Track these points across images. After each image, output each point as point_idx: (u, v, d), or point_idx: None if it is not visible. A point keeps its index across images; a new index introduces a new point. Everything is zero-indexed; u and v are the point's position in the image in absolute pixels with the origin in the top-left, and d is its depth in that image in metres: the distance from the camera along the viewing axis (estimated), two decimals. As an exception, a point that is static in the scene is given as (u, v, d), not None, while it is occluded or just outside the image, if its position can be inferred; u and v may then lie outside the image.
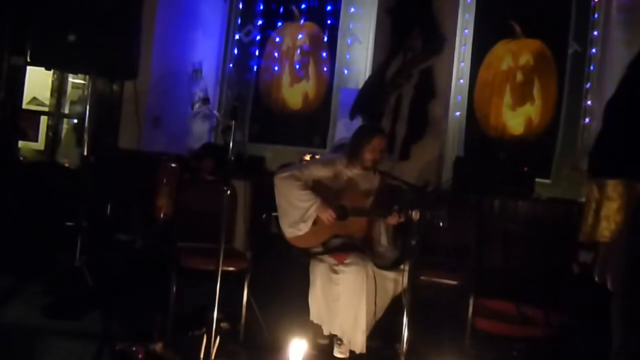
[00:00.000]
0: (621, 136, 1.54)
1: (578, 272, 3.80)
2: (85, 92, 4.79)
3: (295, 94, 5.14)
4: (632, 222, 0.62)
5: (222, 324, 3.16)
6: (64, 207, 3.84)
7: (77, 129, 4.99)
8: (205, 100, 5.10)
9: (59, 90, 5.04)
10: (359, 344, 2.81)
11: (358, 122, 4.44)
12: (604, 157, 1.60)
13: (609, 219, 2.01)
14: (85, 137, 3.51)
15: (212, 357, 2.64)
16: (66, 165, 4.87)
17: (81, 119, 4.75)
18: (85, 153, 3.53)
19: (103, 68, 3.41)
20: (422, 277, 3.15)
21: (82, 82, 5.04)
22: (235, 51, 5.38)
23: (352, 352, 2.86)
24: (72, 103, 5.15)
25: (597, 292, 3.58)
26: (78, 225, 3.53)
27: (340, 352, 2.88)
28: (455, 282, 3.25)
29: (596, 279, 2.10)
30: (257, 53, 5.29)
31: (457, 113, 4.68)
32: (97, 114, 3.88)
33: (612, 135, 1.58)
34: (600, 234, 2.04)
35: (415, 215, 2.74)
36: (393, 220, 3.07)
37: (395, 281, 2.96)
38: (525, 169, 4.09)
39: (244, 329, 3.13)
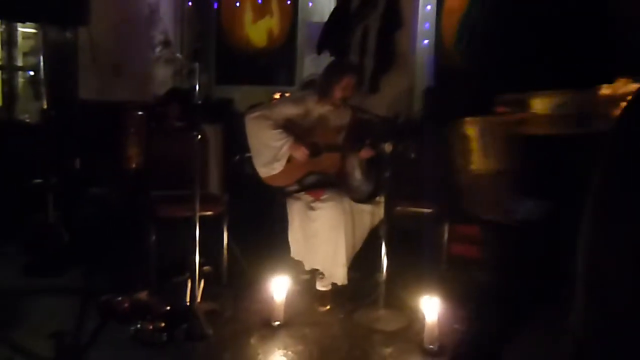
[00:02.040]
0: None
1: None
2: (38, 42, 4.54)
3: (259, 30, 4.98)
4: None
5: (204, 268, 3.20)
6: (30, 165, 3.73)
7: (34, 82, 4.77)
8: (166, 43, 4.91)
9: (8, 41, 4.77)
10: (340, 277, 2.89)
11: (326, 56, 4.35)
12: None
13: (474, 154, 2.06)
14: (43, 89, 3.36)
15: (198, 301, 2.69)
16: (27, 121, 4.69)
17: (36, 71, 4.53)
18: (45, 107, 3.39)
19: (52, 15, 3.22)
20: (398, 208, 3.21)
21: (32, 31, 4.77)
22: (193, -12, 5.13)
23: (333, 284, 2.94)
24: (24, 55, 4.89)
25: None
26: (47, 182, 3.45)
27: (323, 286, 2.96)
28: (430, 211, 3.33)
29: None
30: (216, -11, 5.06)
31: (425, 41, 4.61)
32: (52, 65, 3.70)
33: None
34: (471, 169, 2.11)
35: (387, 147, 2.75)
36: (366, 154, 3.08)
37: (371, 213, 3.01)
38: (494, 96, 4.11)
39: (227, 271, 3.18)
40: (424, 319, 2.55)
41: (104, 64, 4.43)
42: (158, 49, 4.89)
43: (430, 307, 2.53)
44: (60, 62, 4.26)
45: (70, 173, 4.00)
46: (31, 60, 4.84)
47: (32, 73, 4.85)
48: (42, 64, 3.35)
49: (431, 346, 2.50)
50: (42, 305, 2.82)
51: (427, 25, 4.61)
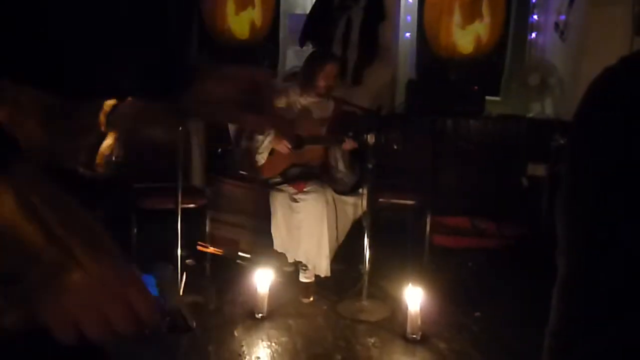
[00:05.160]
0: None
1: (527, 185, 3.99)
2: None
3: (241, 22, 4.93)
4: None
5: (187, 261, 3.19)
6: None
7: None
8: (147, 35, 4.83)
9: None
10: (324, 268, 2.90)
11: (308, 49, 4.33)
12: None
13: None
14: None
15: (180, 294, 2.68)
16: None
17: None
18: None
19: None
20: (381, 200, 3.23)
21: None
22: (174, -21, 5.06)
23: (317, 276, 2.95)
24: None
25: (545, 203, 3.77)
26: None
27: (306, 277, 2.97)
28: (412, 202, 3.35)
29: None
30: (196, -20, 4.99)
31: (407, 34, 4.63)
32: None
33: None
34: None
35: (370, 139, 2.76)
36: (348, 146, 3.09)
37: (355, 205, 3.02)
38: (476, 87, 4.15)
39: (210, 264, 3.17)
40: (406, 308, 2.57)
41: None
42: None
43: (413, 297, 2.56)
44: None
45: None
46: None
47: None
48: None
49: (414, 335, 2.52)
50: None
51: (409, 18, 4.63)
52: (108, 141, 0.65)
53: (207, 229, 3.12)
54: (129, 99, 0.77)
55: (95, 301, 0.58)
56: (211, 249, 2.96)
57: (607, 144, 0.64)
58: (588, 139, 0.66)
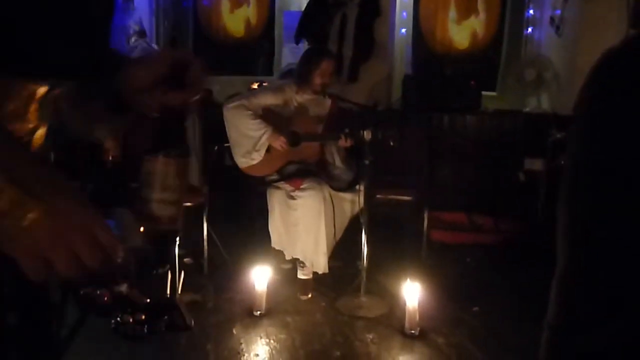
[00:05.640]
0: None
1: (524, 179, 3.99)
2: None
3: (236, 20, 4.92)
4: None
5: (185, 260, 3.19)
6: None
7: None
8: (142, 33, 4.81)
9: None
10: (321, 265, 2.90)
11: (304, 46, 4.33)
12: None
13: None
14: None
15: (179, 292, 2.68)
16: None
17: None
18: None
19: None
20: (378, 196, 3.23)
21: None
22: (168, -24, 5.04)
23: (315, 273, 2.95)
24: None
25: (543, 197, 3.78)
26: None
27: (304, 274, 2.97)
28: (409, 198, 3.35)
29: None
30: (191, -23, 4.97)
31: (403, 30, 4.63)
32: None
33: None
34: None
35: (366, 135, 2.76)
36: (345, 142, 3.08)
37: (352, 202, 3.02)
38: (472, 82, 4.15)
39: (208, 262, 3.17)
40: (405, 304, 2.58)
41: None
42: (133, 39, 4.80)
43: (411, 293, 2.56)
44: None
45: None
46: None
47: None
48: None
49: (412, 331, 2.53)
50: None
51: (404, 14, 4.62)
52: (40, 132, 0.64)
53: (205, 227, 3.12)
54: (60, 88, 0.78)
55: (60, 235, 0.59)
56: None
57: (608, 137, 0.63)
58: (589, 132, 0.66)
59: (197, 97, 0.79)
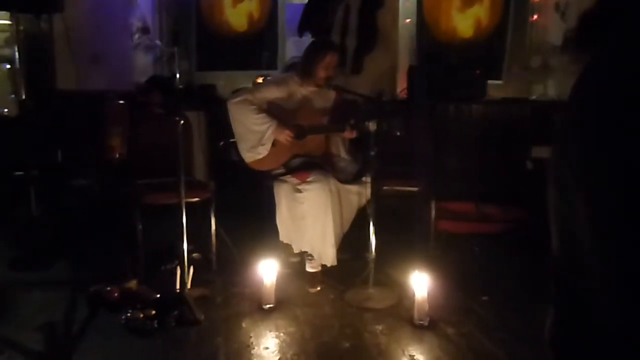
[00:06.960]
0: None
1: (532, 168, 3.97)
2: (12, 34, 4.43)
3: (239, 14, 4.91)
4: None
5: (193, 255, 3.20)
6: (10, 158, 3.67)
7: (11, 75, 4.66)
8: (145, 30, 4.81)
9: (-19, 34, 4.64)
10: (330, 258, 2.90)
11: (307, 38, 4.31)
12: None
13: None
14: (20, 82, 3.30)
15: (188, 288, 2.69)
16: (6, 113, 4.60)
17: (12, 63, 4.43)
18: (23, 98, 3.33)
19: (23, 2, 3.15)
20: (385, 187, 3.22)
21: (6, 22, 4.65)
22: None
23: (323, 265, 2.95)
24: (-1, 47, 4.77)
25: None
26: (28, 174, 3.40)
27: (312, 267, 2.97)
28: (416, 189, 3.34)
29: None
30: (193, -28, 4.95)
31: (407, 20, 4.60)
32: (28, 56, 3.62)
33: None
34: None
35: (372, 126, 2.75)
36: (350, 134, 3.08)
37: (358, 193, 3.02)
38: (478, 71, 4.12)
39: (216, 257, 3.18)
40: (413, 295, 2.58)
41: (81, 53, 4.34)
42: (136, 36, 4.80)
43: (420, 283, 2.56)
44: (36, 52, 4.17)
45: (52, 165, 3.95)
46: (6, 52, 4.73)
47: (8, 66, 4.74)
48: (17, 55, 3.27)
49: (422, 321, 2.53)
50: (31, 298, 2.80)
51: (408, 3, 4.59)
52: None
53: (213, 222, 3.13)
54: None
55: None
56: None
57: (604, 136, 0.62)
58: (582, 130, 0.64)
59: None
